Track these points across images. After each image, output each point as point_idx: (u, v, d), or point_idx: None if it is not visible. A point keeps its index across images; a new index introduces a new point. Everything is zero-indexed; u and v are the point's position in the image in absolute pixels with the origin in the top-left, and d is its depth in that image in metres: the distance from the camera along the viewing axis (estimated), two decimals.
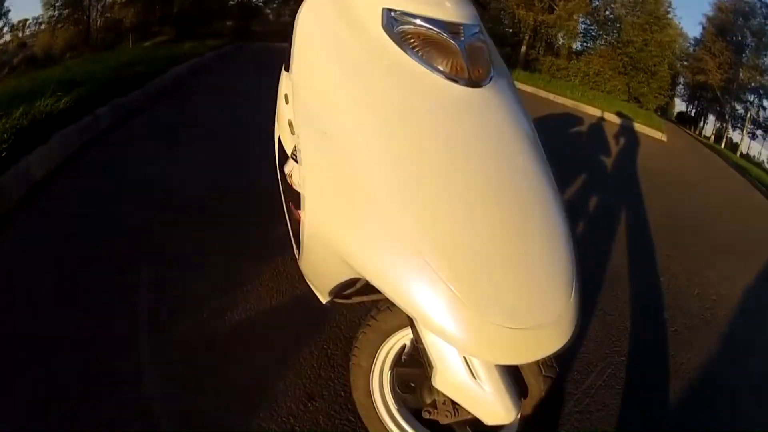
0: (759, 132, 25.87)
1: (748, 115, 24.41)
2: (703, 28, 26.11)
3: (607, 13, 21.89)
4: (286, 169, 2.01)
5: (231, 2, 22.49)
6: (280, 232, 2.70)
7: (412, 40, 1.43)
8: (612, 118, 12.81)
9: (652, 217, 5.11)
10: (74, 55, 13.63)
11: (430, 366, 1.33)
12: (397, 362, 1.69)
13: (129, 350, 2.08)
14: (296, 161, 1.86)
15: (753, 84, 24.31)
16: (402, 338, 1.64)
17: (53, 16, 17.74)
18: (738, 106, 25.63)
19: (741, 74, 23.89)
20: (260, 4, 24.19)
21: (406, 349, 1.66)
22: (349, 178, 1.37)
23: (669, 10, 20.95)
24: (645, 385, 2.46)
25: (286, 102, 2.37)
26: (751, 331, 3.23)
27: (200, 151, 4.55)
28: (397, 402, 1.72)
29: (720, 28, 25.01)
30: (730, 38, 24.69)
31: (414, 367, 1.60)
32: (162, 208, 3.34)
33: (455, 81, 1.40)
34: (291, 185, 1.97)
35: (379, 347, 1.66)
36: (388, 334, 1.63)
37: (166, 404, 1.85)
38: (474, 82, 1.43)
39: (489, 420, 1.32)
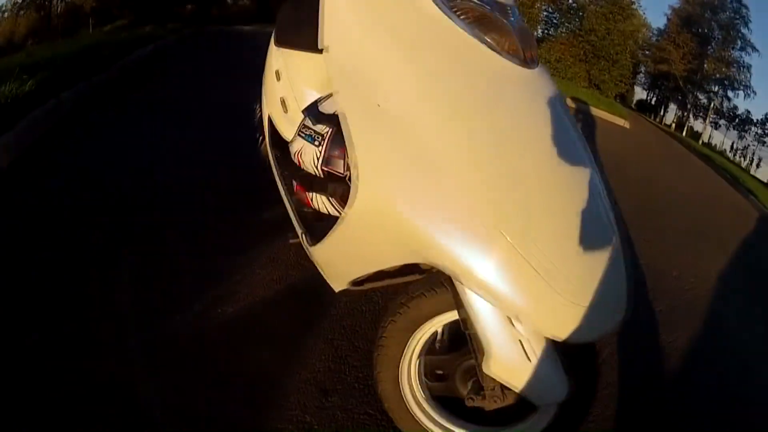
0: (722, 122, 26.72)
1: (712, 105, 25.11)
2: (668, 19, 26.70)
3: (570, 1, 22.17)
4: (293, 148, 1.91)
5: None
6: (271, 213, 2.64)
7: (466, 16, 1.41)
8: (573, 104, 12.77)
9: (628, 201, 5.17)
10: (35, 42, 13.21)
11: (480, 351, 1.32)
12: (426, 350, 1.64)
13: None
14: (308, 140, 1.80)
15: (718, 75, 24.97)
16: (434, 325, 1.57)
17: (17, 3, 17.62)
18: (701, 96, 26.35)
19: (706, 65, 24.54)
20: None
21: (438, 337, 1.61)
22: (413, 152, 1.33)
23: (634, 0, 21.32)
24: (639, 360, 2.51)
25: (278, 79, 2.27)
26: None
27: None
28: (425, 391, 1.65)
29: (686, 19, 25.57)
30: (695, 30, 25.27)
31: (445, 355, 1.61)
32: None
33: (511, 60, 1.40)
34: (299, 165, 1.86)
35: (411, 335, 1.58)
36: (421, 322, 1.56)
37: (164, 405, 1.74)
38: (527, 63, 1.43)
39: (542, 400, 1.36)
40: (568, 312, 1.21)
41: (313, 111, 1.91)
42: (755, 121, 28.31)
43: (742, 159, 27.61)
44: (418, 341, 1.60)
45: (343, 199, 1.78)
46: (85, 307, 2.08)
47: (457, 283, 1.31)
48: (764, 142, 27.92)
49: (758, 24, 35.03)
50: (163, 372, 1.84)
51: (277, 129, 2.26)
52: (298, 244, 2.39)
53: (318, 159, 1.81)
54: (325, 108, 1.89)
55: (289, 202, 2.08)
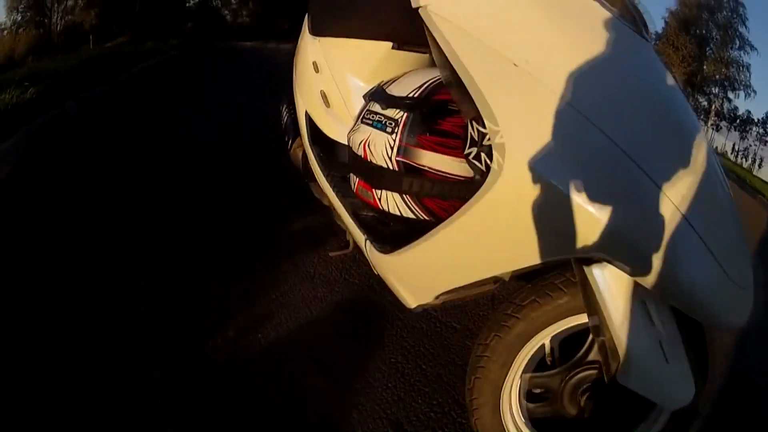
0: (723, 124, 26.47)
1: (713, 108, 24.93)
2: (666, 22, 26.54)
3: None
4: (357, 138, 1.65)
5: (189, 4, 22.29)
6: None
7: None
8: None
9: None
10: (36, 59, 13.09)
11: (615, 360, 1.15)
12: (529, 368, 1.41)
13: None
14: (377, 127, 1.57)
15: (718, 76, 24.81)
16: (544, 337, 1.35)
17: (16, 21, 17.67)
18: (702, 99, 26.16)
19: (705, 67, 24.32)
20: (218, 5, 24.02)
21: (546, 351, 1.38)
22: (573, 123, 1.13)
23: None
24: None
25: (317, 71, 2.04)
26: None
27: None
28: (524, 415, 1.42)
29: (683, 22, 25.48)
30: (693, 32, 25.17)
31: (546, 371, 1.40)
32: None
33: (636, 32, 1.27)
34: (365, 157, 1.59)
35: (519, 351, 1.34)
36: (531, 334, 1.33)
37: None
38: (644, 36, 1.31)
39: (674, 404, 1.24)
40: (737, 298, 1.13)
41: (380, 95, 1.65)
42: (756, 120, 27.61)
43: (744, 160, 27.29)
44: (524, 358, 1.37)
45: (421, 196, 1.54)
46: (101, 339, 1.78)
47: (593, 284, 1.14)
48: (766, 142, 27.50)
49: (755, 21, 34.72)
50: (201, 408, 1.54)
51: (318, 126, 2.02)
52: (340, 258, 2.18)
53: (391, 148, 1.53)
54: (395, 90, 1.63)
55: (342, 205, 1.79)
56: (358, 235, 1.68)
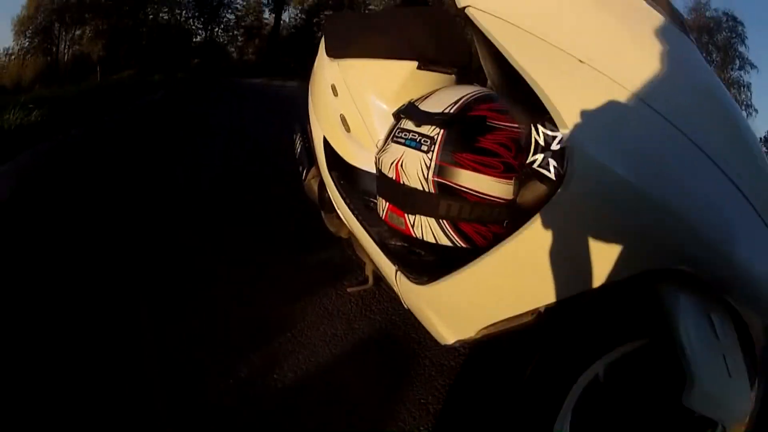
0: None
1: None
2: None
3: None
4: (388, 158, 1.50)
5: (195, 40, 22.60)
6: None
7: None
8: None
9: None
10: (43, 86, 13.15)
11: (677, 380, 1.02)
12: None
13: None
14: (411, 145, 1.44)
15: None
16: (598, 366, 1.16)
17: (23, 47, 17.82)
18: None
19: None
20: (224, 42, 24.33)
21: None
22: (648, 120, 1.04)
23: None
24: None
25: (335, 94, 1.94)
26: None
27: None
28: None
29: None
30: None
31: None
32: None
33: (683, 32, 1.18)
34: (397, 179, 1.44)
35: (575, 383, 1.16)
36: (587, 362, 1.16)
37: None
38: (690, 37, 1.22)
39: (734, 420, 1.08)
40: None
41: (412, 111, 1.51)
42: (759, 139, 27.30)
43: None
44: (577, 389, 1.18)
45: (458, 220, 1.39)
46: (100, 379, 1.61)
47: (665, 300, 1.03)
48: None
49: (752, 38, 34.86)
50: None
51: (337, 152, 1.91)
52: (359, 293, 2.11)
53: (428, 168, 1.38)
54: (428, 106, 1.49)
55: (368, 234, 1.64)
56: (387, 267, 1.52)
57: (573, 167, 1.03)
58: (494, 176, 1.35)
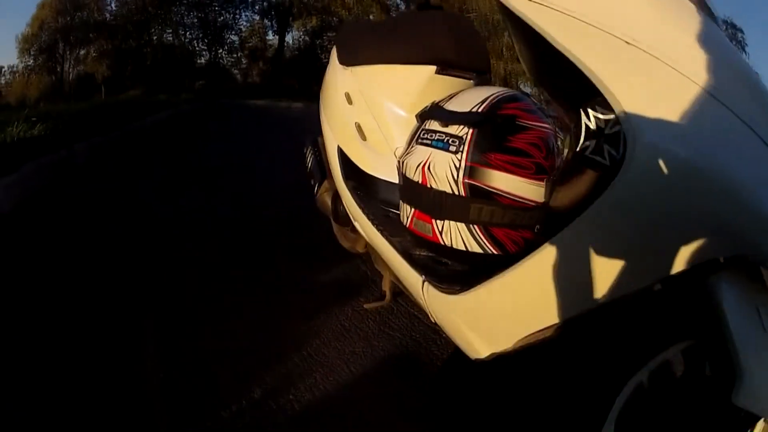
0: None
1: None
2: None
3: None
4: (413, 161, 1.39)
5: (199, 61, 22.69)
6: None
7: None
8: None
9: None
10: (48, 104, 13.24)
11: (726, 379, 0.94)
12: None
13: None
14: (438, 146, 1.34)
15: None
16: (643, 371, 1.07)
17: (28, 65, 17.89)
18: None
19: None
20: (228, 65, 24.42)
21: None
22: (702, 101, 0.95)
23: None
24: None
25: (349, 102, 1.88)
26: None
27: None
28: None
29: None
30: None
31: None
32: None
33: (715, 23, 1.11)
34: (423, 182, 1.35)
35: (620, 393, 1.06)
36: (634, 368, 1.06)
37: None
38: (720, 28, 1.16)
39: None
40: None
41: (438, 111, 1.42)
42: None
43: None
44: (621, 399, 1.07)
45: (491, 225, 1.29)
46: (108, 402, 1.50)
47: (716, 295, 0.95)
48: None
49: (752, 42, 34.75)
50: None
51: (353, 161, 1.82)
52: (376, 310, 2.02)
53: (457, 169, 1.28)
54: (454, 106, 1.40)
55: (390, 245, 1.53)
56: (412, 278, 1.41)
57: (633, 150, 0.94)
58: (526, 177, 1.26)
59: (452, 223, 1.32)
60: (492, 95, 1.37)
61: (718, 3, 1.18)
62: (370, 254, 1.89)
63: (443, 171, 1.29)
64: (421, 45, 1.76)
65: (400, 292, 1.95)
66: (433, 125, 1.39)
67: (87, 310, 1.92)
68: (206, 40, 22.98)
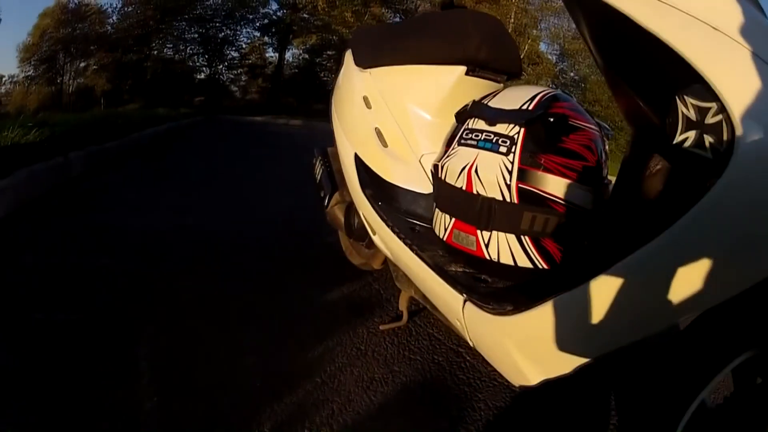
0: None
1: None
2: None
3: (572, 74, 22.27)
4: (456, 164, 1.24)
5: (199, 77, 22.60)
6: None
7: None
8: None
9: None
10: (45, 114, 13.16)
11: None
12: None
13: None
14: (486, 147, 1.19)
15: None
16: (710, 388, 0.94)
17: (28, 75, 17.77)
18: None
19: None
20: (227, 81, 24.34)
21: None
22: None
23: None
24: None
25: (368, 106, 1.74)
26: None
27: None
28: None
29: None
30: None
31: None
32: None
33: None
34: (468, 189, 1.19)
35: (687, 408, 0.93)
36: (703, 382, 0.92)
37: None
38: None
39: None
40: None
41: (483, 109, 1.27)
42: None
43: None
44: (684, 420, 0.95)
45: (543, 235, 1.15)
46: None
47: None
48: None
49: None
50: None
51: (373, 170, 1.65)
52: (393, 331, 1.86)
53: (509, 172, 1.12)
54: (500, 104, 1.24)
55: (421, 260, 1.34)
56: (449, 296, 1.23)
57: (741, 142, 0.78)
58: (579, 182, 1.12)
59: (500, 234, 1.17)
60: (540, 93, 1.23)
61: None
62: (387, 270, 1.74)
63: (493, 174, 1.13)
64: (450, 44, 1.61)
65: (416, 311, 1.78)
66: (479, 124, 1.23)
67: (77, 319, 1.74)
68: (206, 56, 22.88)
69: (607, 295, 0.92)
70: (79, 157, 4.00)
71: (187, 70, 22.10)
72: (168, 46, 21.90)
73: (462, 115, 1.31)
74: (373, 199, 1.58)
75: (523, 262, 1.16)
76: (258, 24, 23.49)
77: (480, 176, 1.16)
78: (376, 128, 1.67)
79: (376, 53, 1.81)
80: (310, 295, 2.09)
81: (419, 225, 1.48)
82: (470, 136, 1.23)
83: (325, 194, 2.01)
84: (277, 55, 24.19)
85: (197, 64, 23.02)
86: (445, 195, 1.28)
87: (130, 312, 1.82)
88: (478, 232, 1.19)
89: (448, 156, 1.27)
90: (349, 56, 1.96)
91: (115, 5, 20.12)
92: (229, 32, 23.10)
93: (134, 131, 6.16)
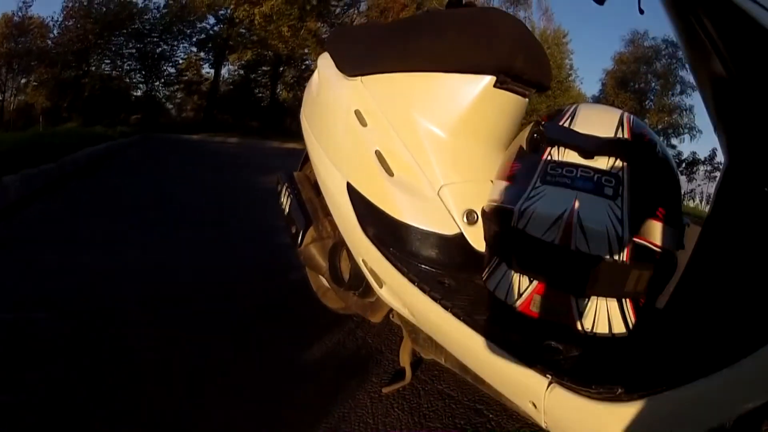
0: None
1: None
2: (603, 84, 26.63)
3: None
4: (546, 210, 0.92)
5: (136, 94, 21.94)
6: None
7: None
8: None
9: None
10: None
11: None
12: None
13: None
14: (585, 187, 0.91)
15: (661, 126, 24.50)
16: None
17: None
18: None
19: (648, 119, 23.65)
20: (164, 98, 23.76)
21: None
22: None
23: (570, 73, 21.53)
24: None
25: (363, 123, 1.36)
26: None
27: None
28: None
29: (621, 80, 25.49)
30: (632, 87, 25.15)
31: None
32: None
33: None
34: (560, 241, 0.90)
35: None
36: None
37: None
38: None
39: None
40: None
41: (569, 136, 0.95)
42: (702, 159, 25.37)
43: (691, 201, 26.42)
44: None
45: (643, 295, 0.91)
46: None
47: None
48: (714, 178, 26.58)
49: None
50: None
51: (374, 203, 1.26)
52: (397, 393, 1.50)
53: (620, 222, 0.84)
54: (587, 128, 0.95)
55: (472, 328, 0.98)
56: (523, 377, 0.88)
57: None
58: (672, 225, 0.90)
59: (600, 299, 0.88)
60: (624, 115, 0.97)
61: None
62: (407, 333, 1.36)
63: (602, 226, 0.85)
64: (476, 48, 1.24)
65: (414, 362, 1.44)
66: (569, 156, 0.93)
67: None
68: (143, 72, 22.09)
69: None
70: (14, 181, 3.64)
71: (124, 87, 21.36)
72: (106, 61, 21.20)
73: (536, 142, 0.99)
74: (379, 243, 1.21)
75: (619, 328, 0.89)
76: (195, 39, 23.03)
77: (585, 229, 0.86)
78: (376, 151, 1.29)
79: (370, 57, 1.43)
80: (286, 352, 1.69)
81: (447, 278, 1.13)
82: (559, 171, 0.92)
83: (297, 230, 1.61)
84: (213, 71, 23.62)
85: (134, 80, 22.33)
86: (524, 250, 0.95)
87: (77, 390, 1.40)
88: (574, 298, 0.89)
89: (530, 198, 0.94)
90: (326, 62, 1.60)
91: (57, 18, 19.25)
92: (166, 47, 22.63)
93: (72, 152, 5.72)
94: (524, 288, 0.95)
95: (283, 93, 24.58)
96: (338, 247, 1.48)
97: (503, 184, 1.02)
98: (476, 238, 1.17)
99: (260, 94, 24.61)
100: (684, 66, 24.59)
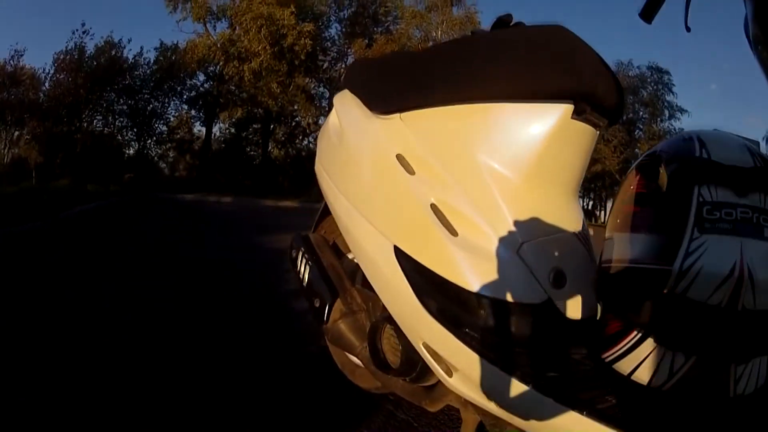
0: None
1: None
2: None
3: None
4: (709, 265, 0.72)
5: (128, 152, 21.74)
6: None
7: None
8: None
9: None
10: None
11: None
12: None
13: None
14: (744, 232, 0.73)
15: None
16: None
17: None
18: None
19: (638, 149, 23.19)
20: (156, 157, 23.58)
21: None
22: None
23: None
24: None
25: (410, 171, 1.11)
26: None
27: None
28: None
29: None
30: (620, 119, 25.40)
31: None
32: None
33: None
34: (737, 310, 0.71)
35: None
36: None
37: None
38: None
39: None
40: None
41: (716, 171, 0.77)
42: None
43: None
44: None
45: None
46: None
47: None
48: None
49: (679, 81, 33.31)
50: None
51: (437, 272, 1.00)
52: None
53: None
54: (721, 155, 0.80)
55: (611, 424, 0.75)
56: None
57: None
58: None
59: (755, 360, 0.77)
60: (745, 139, 0.85)
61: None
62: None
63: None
64: (549, 73, 1.01)
65: None
66: (723, 195, 0.74)
67: None
68: (135, 129, 21.93)
69: None
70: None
71: (116, 145, 21.10)
72: (98, 117, 20.88)
73: (679, 179, 0.77)
74: (447, 321, 0.95)
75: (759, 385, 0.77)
76: (186, 96, 22.92)
77: (755, 282, 0.68)
78: (431, 205, 1.03)
79: (408, 89, 1.19)
80: None
81: (549, 363, 0.89)
82: (717, 216, 0.73)
83: (321, 303, 1.34)
84: (204, 129, 23.52)
85: (126, 137, 22.12)
86: (686, 320, 0.74)
87: None
88: (734, 366, 0.74)
89: (690, 254, 0.73)
90: (346, 99, 1.36)
91: (48, 71, 18.84)
92: (157, 104, 22.39)
93: (62, 209, 5.54)
94: (678, 366, 0.75)
95: (274, 151, 24.42)
96: (379, 325, 1.19)
97: (637, 237, 0.80)
98: (566, 305, 0.95)
99: (252, 152, 24.51)
100: (671, 90, 24.79)
